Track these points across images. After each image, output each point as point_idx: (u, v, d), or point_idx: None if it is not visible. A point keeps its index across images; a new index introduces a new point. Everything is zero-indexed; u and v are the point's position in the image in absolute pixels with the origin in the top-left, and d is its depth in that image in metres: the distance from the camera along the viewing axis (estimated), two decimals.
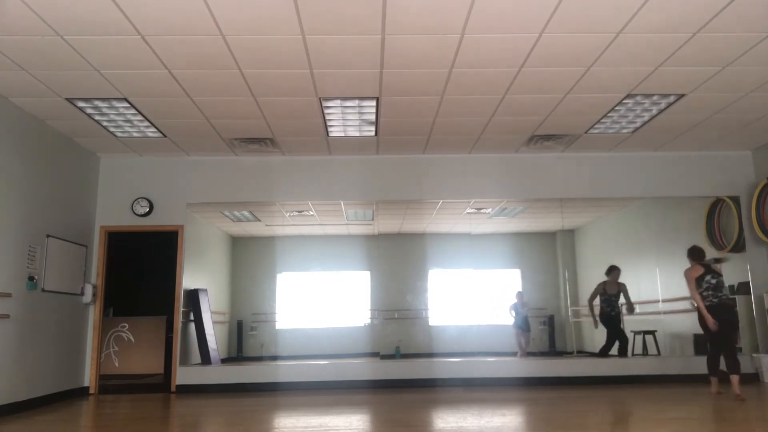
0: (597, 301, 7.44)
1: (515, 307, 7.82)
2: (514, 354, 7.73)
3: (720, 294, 5.73)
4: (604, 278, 7.46)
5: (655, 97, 5.58)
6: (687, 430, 3.92)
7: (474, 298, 8.09)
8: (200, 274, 7.41)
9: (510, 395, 5.96)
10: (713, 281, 5.76)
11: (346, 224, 7.96)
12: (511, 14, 4.03)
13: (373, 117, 5.99)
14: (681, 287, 7.28)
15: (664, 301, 7.31)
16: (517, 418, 4.50)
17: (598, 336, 7.50)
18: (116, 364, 7.84)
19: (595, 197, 7.39)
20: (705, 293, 5.76)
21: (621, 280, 7.43)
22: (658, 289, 7.36)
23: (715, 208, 7.36)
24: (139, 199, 7.15)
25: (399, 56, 4.63)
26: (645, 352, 7.24)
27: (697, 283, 5.81)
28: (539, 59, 4.73)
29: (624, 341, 7.25)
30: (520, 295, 7.84)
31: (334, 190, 7.32)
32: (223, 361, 7.65)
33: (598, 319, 7.39)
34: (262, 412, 5.18)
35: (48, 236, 6.07)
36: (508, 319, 7.86)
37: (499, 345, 7.81)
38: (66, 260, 6.41)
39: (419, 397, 5.98)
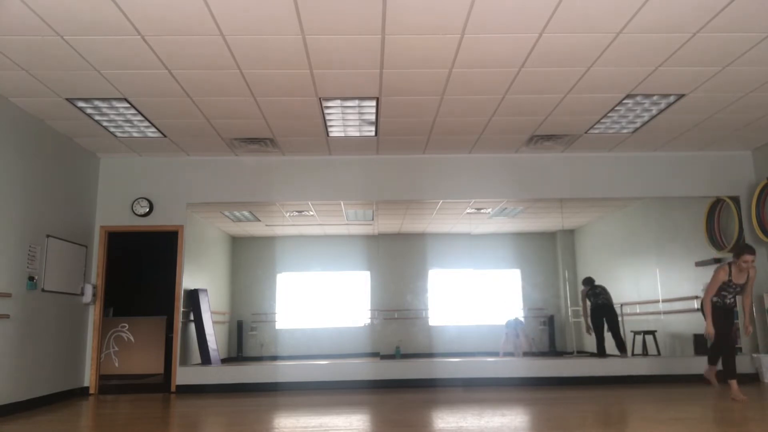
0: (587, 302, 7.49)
1: (511, 328, 7.79)
2: (512, 354, 7.72)
3: (728, 300, 5.65)
4: (602, 282, 7.48)
5: (655, 97, 5.58)
6: (687, 430, 3.92)
7: (474, 298, 8.09)
8: (200, 274, 7.41)
9: (510, 395, 5.96)
10: (738, 288, 5.61)
11: (346, 224, 7.96)
12: (511, 14, 4.03)
13: (373, 117, 5.99)
14: (681, 287, 7.29)
15: (664, 301, 7.31)
16: (517, 418, 4.50)
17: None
18: (116, 364, 7.84)
19: (595, 197, 7.38)
20: (721, 294, 5.64)
21: (621, 281, 7.44)
22: (658, 289, 7.36)
23: (715, 208, 7.36)
24: (139, 199, 7.15)
25: (399, 56, 4.63)
26: (645, 352, 7.24)
27: (722, 285, 5.59)
28: (539, 59, 4.73)
29: (619, 340, 7.28)
30: (517, 322, 7.81)
31: (334, 190, 7.31)
32: (223, 361, 7.65)
33: (589, 322, 7.39)
34: (262, 412, 5.18)
35: (48, 236, 6.07)
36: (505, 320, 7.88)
37: (499, 345, 7.80)
38: (66, 260, 6.41)
39: (419, 397, 5.98)
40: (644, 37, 4.39)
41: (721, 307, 5.64)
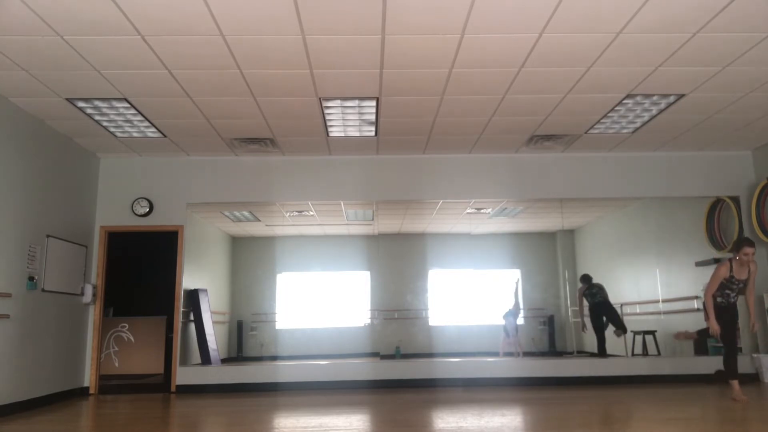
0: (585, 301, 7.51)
1: (510, 315, 7.86)
2: (512, 354, 7.73)
3: (732, 299, 5.60)
4: (602, 282, 7.48)
5: (655, 97, 5.59)
6: (687, 430, 3.92)
7: (474, 298, 8.09)
8: (200, 274, 7.41)
9: (510, 395, 5.96)
10: (741, 285, 5.54)
11: (346, 224, 7.97)
12: (511, 14, 4.03)
13: (373, 117, 5.99)
14: (680, 287, 7.29)
15: (664, 301, 7.32)
16: (517, 418, 4.50)
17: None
18: (116, 365, 7.84)
19: (595, 197, 7.38)
20: (725, 292, 5.58)
21: (621, 281, 7.45)
22: (658, 289, 7.36)
23: (715, 208, 7.36)
24: (139, 199, 7.15)
25: (399, 56, 4.63)
26: (645, 352, 7.24)
27: (724, 282, 5.54)
28: (539, 59, 4.73)
29: (621, 328, 7.32)
30: (512, 312, 7.91)
31: (334, 190, 7.31)
32: (223, 361, 7.65)
33: (585, 321, 7.41)
34: (262, 412, 5.18)
35: (48, 236, 6.07)
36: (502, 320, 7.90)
37: (499, 345, 7.81)
38: (66, 260, 6.41)
39: (419, 397, 5.98)
40: (644, 37, 4.39)
41: (725, 307, 5.61)
